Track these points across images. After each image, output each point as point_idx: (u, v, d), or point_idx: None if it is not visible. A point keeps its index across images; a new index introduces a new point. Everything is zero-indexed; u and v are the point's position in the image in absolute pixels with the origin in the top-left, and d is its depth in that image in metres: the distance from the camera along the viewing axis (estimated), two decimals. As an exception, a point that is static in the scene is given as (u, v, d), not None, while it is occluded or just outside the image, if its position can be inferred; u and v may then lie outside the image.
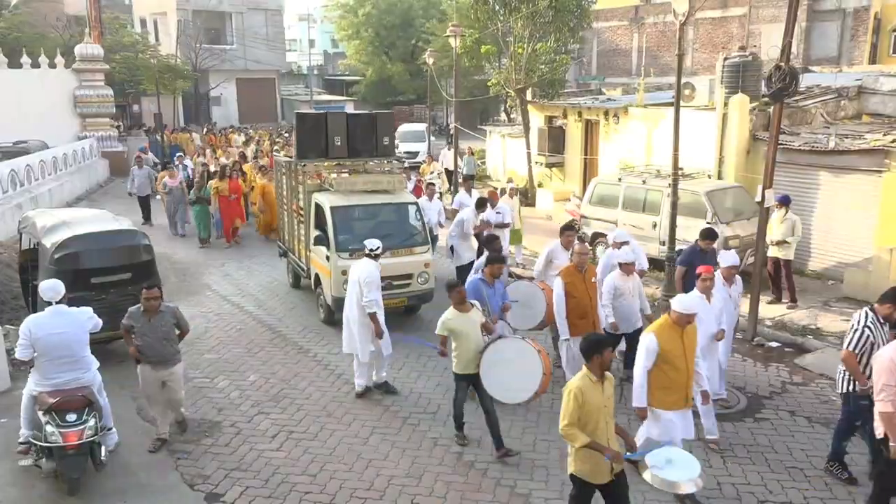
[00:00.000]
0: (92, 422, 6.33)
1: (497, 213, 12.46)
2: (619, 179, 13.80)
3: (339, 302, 9.16)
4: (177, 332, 7.25)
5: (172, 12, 43.44)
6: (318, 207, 10.55)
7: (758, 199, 9.86)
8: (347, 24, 47.83)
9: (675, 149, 11.26)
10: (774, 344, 9.88)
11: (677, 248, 11.36)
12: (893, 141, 11.85)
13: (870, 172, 11.78)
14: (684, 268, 8.84)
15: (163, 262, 13.77)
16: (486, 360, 6.73)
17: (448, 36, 21.30)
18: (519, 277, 8.79)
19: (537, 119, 21.28)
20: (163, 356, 7.05)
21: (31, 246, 10.17)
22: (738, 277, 7.80)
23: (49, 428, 6.22)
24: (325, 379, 8.84)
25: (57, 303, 6.67)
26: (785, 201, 11.00)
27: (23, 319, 10.75)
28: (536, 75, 20.55)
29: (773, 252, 11.13)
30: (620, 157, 16.83)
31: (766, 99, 12.77)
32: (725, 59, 15.10)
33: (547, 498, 6.24)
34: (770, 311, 10.78)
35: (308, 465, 6.82)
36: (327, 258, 10.04)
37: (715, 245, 9.21)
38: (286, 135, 30.46)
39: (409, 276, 10.25)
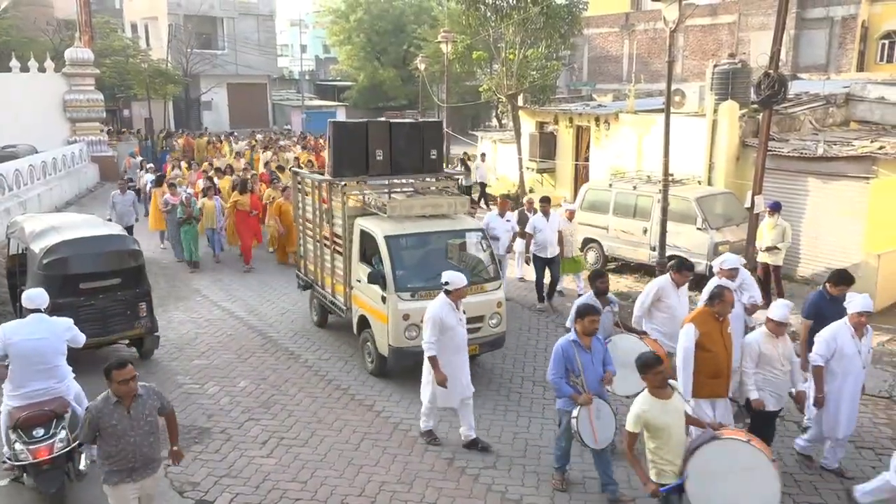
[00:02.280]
0: (62, 434, 6.08)
1: (506, 220, 12.16)
2: (610, 185, 13.86)
3: (400, 353, 8.22)
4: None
5: (163, 17, 43.35)
6: (366, 236, 8.87)
7: (747, 204, 9.93)
8: (339, 29, 47.87)
9: (666, 155, 11.33)
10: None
11: (668, 253, 11.42)
12: (881, 148, 11.97)
13: (858, 179, 11.88)
14: (810, 321, 7.08)
15: (152, 267, 13.69)
16: (696, 470, 5.01)
17: (440, 42, 21.38)
18: (622, 327, 7.32)
19: (528, 125, 21.35)
20: (148, 458, 5.12)
21: (20, 251, 10.10)
22: (868, 327, 6.54)
23: (18, 446, 6.00)
24: (315, 385, 8.80)
25: (41, 311, 6.55)
26: (776, 208, 11.08)
27: (10, 325, 10.75)
28: (528, 81, 20.64)
29: (762, 258, 11.19)
30: (611, 163, 16.91)
31: (756, 106, 12.90)
32: (715, 66, 15.22)
33: (537, 503, 6.24)
34: (760, 316, 10.80)
35: (299, 472, 6.78)
36: (383, 299, 8.33)
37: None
38: (285, 141, 30.43)
39: (480, 319, 8.51)
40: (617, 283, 12.74)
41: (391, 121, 9.63)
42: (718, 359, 6.15)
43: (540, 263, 11.63)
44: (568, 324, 6.94)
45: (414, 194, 9.56)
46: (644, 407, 5.01)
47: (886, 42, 30.57)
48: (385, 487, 6.50)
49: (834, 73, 26.30)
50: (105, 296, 8.94)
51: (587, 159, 18.84)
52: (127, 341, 9.54)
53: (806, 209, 12.68)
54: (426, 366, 7.00)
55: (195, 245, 14.54)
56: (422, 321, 7.37)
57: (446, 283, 6.89)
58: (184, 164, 21.67)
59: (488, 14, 20.98)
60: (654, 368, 5.01)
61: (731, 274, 7.46)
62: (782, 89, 9.25)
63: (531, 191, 20.71)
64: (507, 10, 20.11)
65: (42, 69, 27.39)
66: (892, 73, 23.74)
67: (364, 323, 9.03)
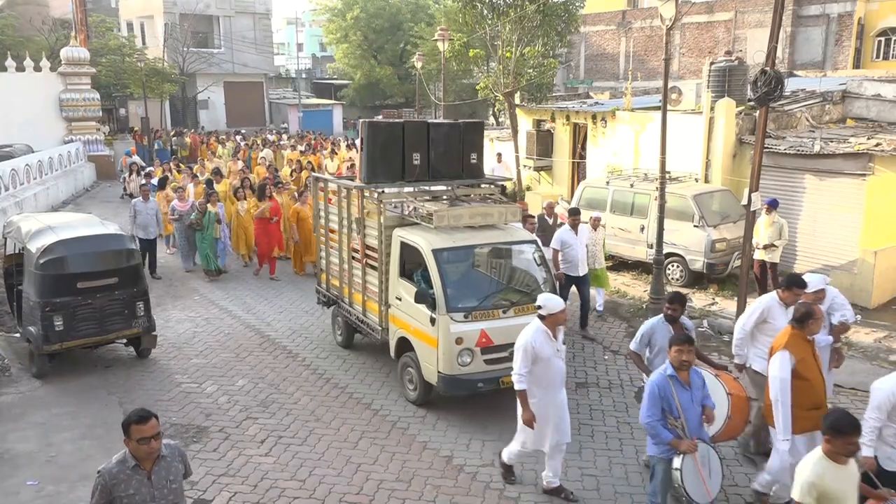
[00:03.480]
0: None
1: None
2: (608, 183, 13.87)
3: (452, 381, 7.38)
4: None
5: (159, 15, 43.27)
6: (408, 249, 8.04)
7: (744, 202, 9.94)
8: (335, 27, 47.84)
9: (663, 152, 11.32)
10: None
11: (665, 251, 11.43)
12: (877, 145, 11.99)
13: (854, 176, 11.90)
14: None
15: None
16: None
17: (436, 40, 21.34)
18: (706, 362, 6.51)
19: (525, 123, 21.34)
20: None
21: (17, 251, 10.09)
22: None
23: None
24: (313, 383, 8.80)
25: None
26: (772, 205, 11.10)
27: (7, 324, 10.75)
28: (524, 79, 20.62)
29: (759, 255, 11.22)
30: (608, 161, 16.91)
31: (752, 103, 12.91)
32: (712, 63, 15.23)
33: (536, 501, 6.25)
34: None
35: (297, 470, 6.78)
36: (432, 321, 7.49)
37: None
38: (286, 139, 30.40)
39: None
40: (615, 280, 12.76)
41: (429, 121, 8.91)
42: (816, 388, 5.48)
43: (567, 283, 10.39)
44: (633, 346, 6.46)
45: (456, 202, 8.61)
46: (818, 471, 4.11)
47: (882, 39, 30.65)
48: (383, 486, 6.50)
49: (830, 71, 26.36)
50: (102, 295, 8.93)
51: (583, 157, 18.84)
52: (124, 340, 9.54)
53: (803, 206, 12.71)
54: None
55: (213, 252, 13.66)
56: (476, 346, 7.19)
57: (539, 307, 6.00)
58: (173, 167, 20.44)
59: (485, 12, 20.96)
60: (849, 436, 4.10)
61: (818, 296, 6.52)
62: (779, 87, 9.23)
63: (528, 188, 20.72)
64: (503, 8, 20.09)
65: (38, 68, 27.33)
66: (889, 70, 23.80)
67: (404, 345, 8.15)
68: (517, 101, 21.33)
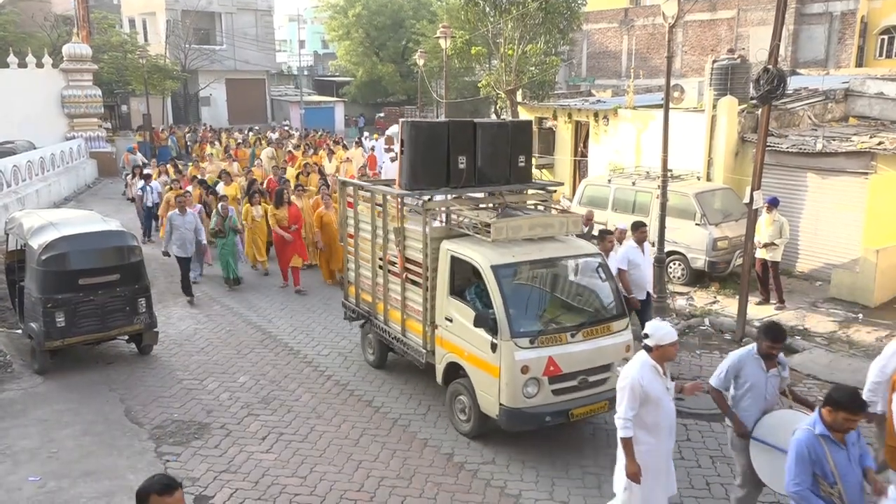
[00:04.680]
0: None
1: None
2: (609, 181, 13.86)
3: (516, 415, 6.60)
4: None
5: (161, 12, 43.25)
6: (459, 264, 7.28)
7: (746, 200, 9.94)
8: (337, 24, 47.80)
9: (665, 150, 11.31)
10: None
11: (667, 249, 11.42)
12: (880, 143, 11.97)
13: (856, 174, 11.89)
14: None
15: (151, 263, 13.70)
16: None
17: (438, 37, 21.33)
18: (790, 396, 5.55)
19: (528, 120, 21.33)
20: None
21: (18, 247, 10.10)
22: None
23: None
24: (314, 380, 8.81)
25: None
26: (774, 203, 11.09)
27: (9, 320, 10.77)
28: (526, 77, 20.63)
29: (760, 253, 11.21)
30: (610, 159, 16.90)
31: (755, 101, 12.88)
32: (714, 61, 15.20)
33: (537, 499, 6.25)
34: (758, 312, 10.84)
35: (298, 467, 6.79)
36: (493, 347, 6.65)
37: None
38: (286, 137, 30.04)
39: (607, 368, 6.91)
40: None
41: (476, 121, 8.07)
42: None
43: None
44: (714, 382, 5.43)
45: (508, 211, 7.85)
46: None
47: (886, 37, 30.57)
48: (384, 483, 6.51)
49: (833, 69, 26.30)
50: (104, 291, 8.95)
51: (585, 155, 18.83)
52: (126, 337, 9.56)
53: (805, 205, 12.69)
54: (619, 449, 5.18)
55: (234, 260, 12.87)
56: (543, 375, 6.52)
57: (646, 337, 5.07)
58: (170, 168, 19.31)
59: (487, 9, 20.98)
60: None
61: None
62: (781, 85, 9.22)
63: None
64: (505, 6, 20.10)
65: (40, 65, 27.36)
66: (892, 68, 23.73)
67: (455, 371, 7.39)
68: (519, 98, 21.33)
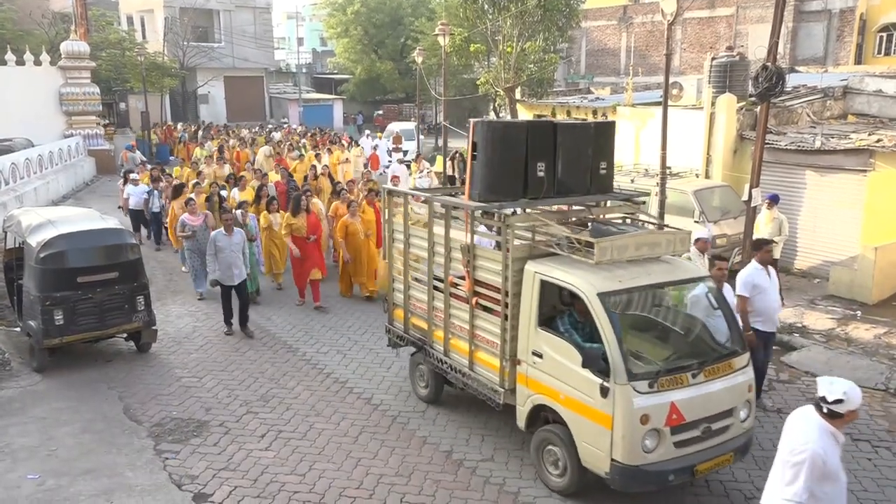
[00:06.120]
0: None
1: None
2: (608, 178, 13.82)
3: (634, 474, 5.57)
4: None
5: (159, 9, 43.21)
6: (549, 289, 6.34)
7: (744, 197, 9.94)
8: (336, 22, 47.78)
9: (664, 148, 11.33)
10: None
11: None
12: (878, 141, 11.97)
13: (855, 172, 11.90)
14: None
15: (149, 261, 13.69)
16: None
17: (437, 34, 21.31)
18: None
19: (527, 118, 21.32)
20: None
21: (17, 245, 10.09)
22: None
23: None
24: (313, 378, 8.81)
25: None
26: (773, 200, 11.10)
27: (7, 318, 10.76)
28: (525, 74, 20.63)
29: (759, 251, 11.20)
30: (609, 157, 16.88)
31: (753, 99, 12.88)
32: (713, 58, 15.20)
33: (536, 496, 6.25)
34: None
35: (297, 465, 6.79)
36: (603, 391, 5.58)
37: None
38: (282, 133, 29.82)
39: (730, 413, 5.92)
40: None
41: (556, 121, 7.09)
42: None
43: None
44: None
45: (599, 227, 6.93)
46: None
47: (884, 35, 30.60)
48: (383, 480, 6.51)
49: (832, 66, 26.30)
50: (103, 289, 8.94)
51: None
52: (125, 335, 9.55)
53: (803, 202, 12.70)
54: None
55: (256, 271, 11.75)
56: (665, 425, 5.52)
57: (838, 402, 4.14)
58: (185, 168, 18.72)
59: (486, 7, 20.97)
60: None
61: None
62: (780, 82, 9.23)
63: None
64: (504, 3, 20.10)
65: (38, 62, 27.30)
66: (890, 65, 23.74)
67: (543, 414, 6.38)
68: (518, 96, 21.33)
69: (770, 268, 7.73)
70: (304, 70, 56.47)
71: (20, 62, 26.95)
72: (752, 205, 9.87)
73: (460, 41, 22.78)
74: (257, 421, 7.68)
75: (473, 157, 6.80)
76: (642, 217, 7.60)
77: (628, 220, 7.46)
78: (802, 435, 4.17)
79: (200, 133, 31.68)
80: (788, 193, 12.57)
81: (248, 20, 46.87)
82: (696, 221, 12.19)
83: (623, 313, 6.03)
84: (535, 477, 6.50)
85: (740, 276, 7.71)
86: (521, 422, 6.59)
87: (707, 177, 14.01)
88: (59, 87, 27.43)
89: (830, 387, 4.19)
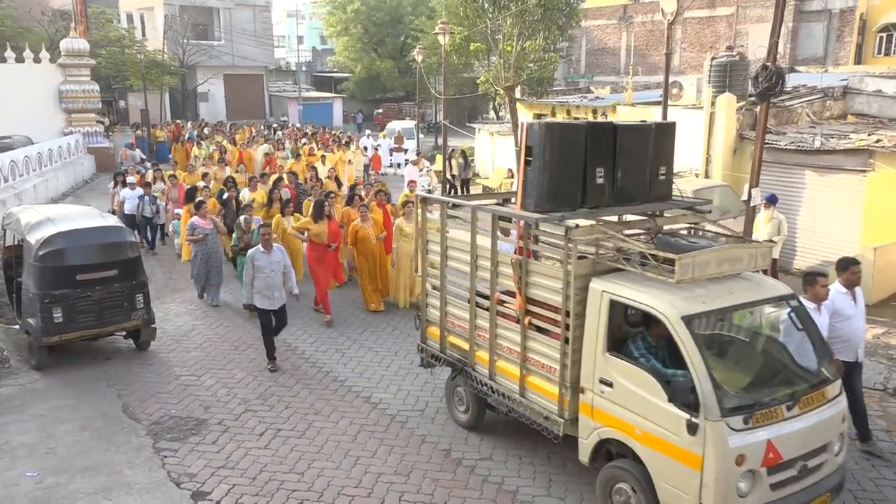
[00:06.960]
0: None
1: None
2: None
3: None
4: None
5: (159, 7, 43.20)
6: (618, 310, 5.79)
7: (744, 197, 9.94)
8: (336, 20, 47.76)
9: (663, 147, 11.30)
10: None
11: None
12: (878, 141, 11.98)
13: (854, 172, 11.89)
14: None
15: (149, 259, 13.71)
16: None
17: (437, 33, 21.30)
18: None
19: (526, 117, 21.31)
20: None
21: (16, 242, 10.09)
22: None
23: None
24: (312, 376, 8.81)
25: None
26: (772, 200, 11.10)
27: (6, 316, 10.76)
28: (525, 73, 20.62)
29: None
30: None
31: (753, 98, 12.88)
32: (713, 58, 15.20)
33: (534, 495, 6.26)
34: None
35: (296, 463, 6.79)
36: (691, 428, 4.94)
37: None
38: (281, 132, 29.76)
39: (825, 449, 5.37)
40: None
41: (616, 123, 6.41)
42: None
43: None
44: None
45: (665, 239, 6.03)
46: None
47: (884, 35, 30.60)
48: (382, 479, 6.51)
49: (832, 66, 26.31)
50: (102, 287, 8.94)
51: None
52: (124, 333, 9.55)
53: (803, 202, 12.70)
54: None
55: None
56: (762, 465, 4.95)
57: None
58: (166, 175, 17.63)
59: (486, 5, 20.94)
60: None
61: None
62: (780, 82, 9.22)
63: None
64: (504, 2, 20.08)
65: (37, 60, 27.28)
66: (890, 66, 23.74)
67: (612, 448, 5.74)
68: (518, 95, 21.33)
69: (857, 291, 6.87)
70: (303, 68, 56.45)
71: (20, 59, 26.93)
72: (752, 204, 9.86)
73: (460, 40, 22.75)
74: (256, 419, 7.68)
75: (527, 163, 6.06)
76: (709, 227, 6.81)
77: (696, 231, 6.79)
78: None
79: (207, 131, 31.53)
80: (788, 193, 12.57)
81: (247, 18, 46.87)
82: (695, 221, 12.19)
83: (711, 339, 5.60)
84: (534, 475, 6.51)
85: (828, 301, 6.80)
86: (584, 457, 5.92)
87: (707, 176, 14.01)
88: (58, 84, 27.41)
89: None
